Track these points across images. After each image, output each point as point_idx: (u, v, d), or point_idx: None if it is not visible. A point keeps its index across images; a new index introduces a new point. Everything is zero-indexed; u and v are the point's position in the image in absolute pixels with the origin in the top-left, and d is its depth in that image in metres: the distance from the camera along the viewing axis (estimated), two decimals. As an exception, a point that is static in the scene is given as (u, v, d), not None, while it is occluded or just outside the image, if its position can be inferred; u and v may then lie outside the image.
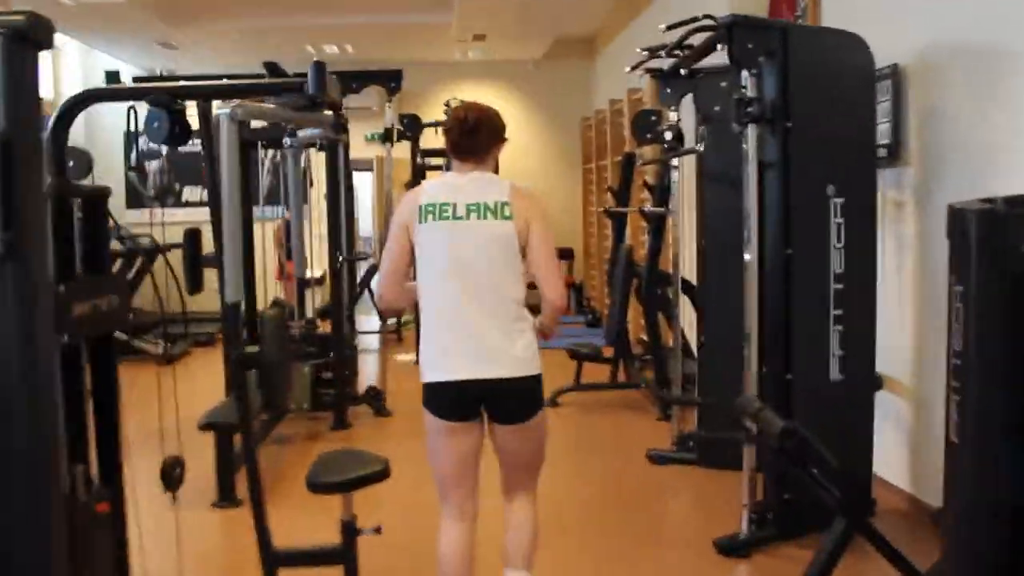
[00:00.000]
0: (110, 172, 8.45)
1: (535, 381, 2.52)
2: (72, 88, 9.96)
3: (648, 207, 5.42)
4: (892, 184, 3.87)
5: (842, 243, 3.41)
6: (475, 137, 2.55)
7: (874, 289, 3.53)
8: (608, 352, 6.31)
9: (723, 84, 3.73)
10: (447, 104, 7.35)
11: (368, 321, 9.69)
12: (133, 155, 8.39)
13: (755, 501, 3.45)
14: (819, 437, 2.46)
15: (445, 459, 2.58)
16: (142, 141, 2.67)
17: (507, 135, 2.66)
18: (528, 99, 11.49)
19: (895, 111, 3.78)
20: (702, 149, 3.91)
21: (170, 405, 2.75)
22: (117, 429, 2.30)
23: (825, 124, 3.41)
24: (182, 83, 3.61)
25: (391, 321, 9.44)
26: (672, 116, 4.44)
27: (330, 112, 4.02)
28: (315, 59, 2.88)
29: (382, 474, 2.74)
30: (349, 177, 6.09)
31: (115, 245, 8.46)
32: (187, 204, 10.64)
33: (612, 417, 5.91)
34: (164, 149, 9.36)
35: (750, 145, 3.33)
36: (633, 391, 6.34)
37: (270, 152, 6.25)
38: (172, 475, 2.52)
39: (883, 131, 3.80)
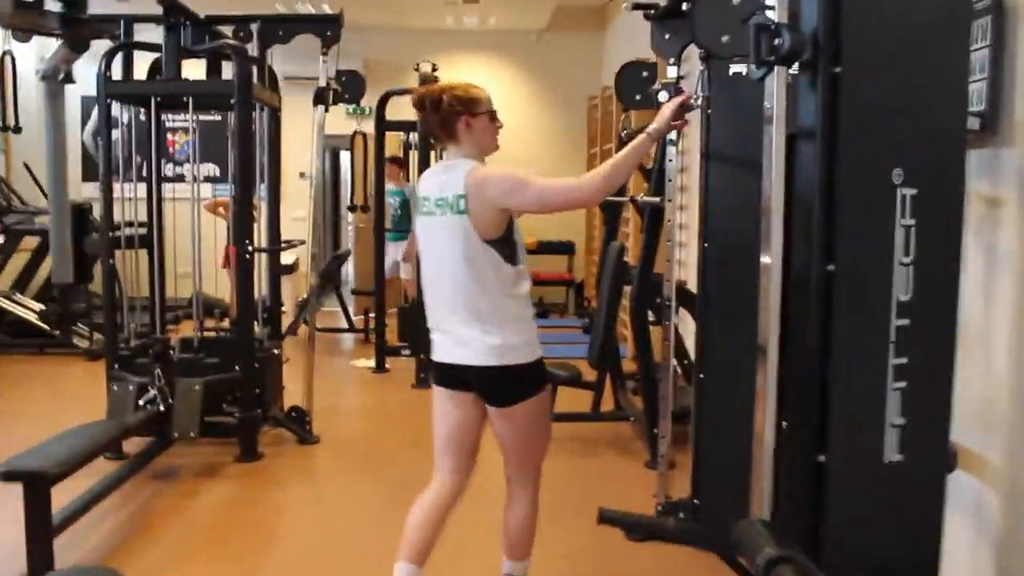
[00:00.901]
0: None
1: (505, 371, 2.60)
2: (25, 46, 9.05)
3: (642, 196, 4.24)
4: (985, 171, 2.67)
5: (911, 257, 2.21)
6: (430, 116, 2.60)
7: (954, 327, 2.33)
8: (590, 374, 5.14)
9: (736, 0, 2.51)
10: (416, 68, 6.24)
11: (334, 317, 8.58)
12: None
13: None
14: (864, 547, 1.81)
15: (439, 422, 2.80)
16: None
17: (495, 109, 2.64)
18: (529, 74, 10.30)
19: (995, 64, 2.58)
20: (699, 104, 2.69)
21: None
22: None
23: (893, 75, 2.21)
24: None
25: (358, 317, 8.33)
26: (671, 72, 3.23)
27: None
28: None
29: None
30: (276, 146, 4.92)
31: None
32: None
33: (590, 460, 4.74)
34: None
35: (774, 100, 2.14)
36: (622, 423, 5.17)
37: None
38: None
39: (976, 92, 2.61)
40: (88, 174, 8.75)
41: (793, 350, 2.33)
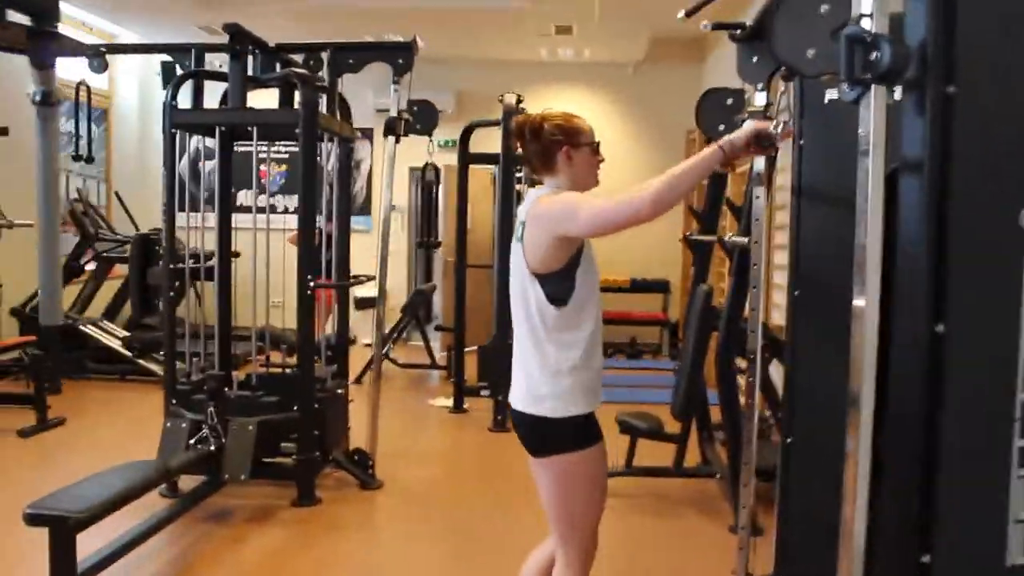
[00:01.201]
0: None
1: (536, 422, 2.41)
2: (128, 78, 9.32)
3: (730, 236, 3.87)
4: None
5: (1043, 318, 1.82)
6: (529, 145, 2.46)
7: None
8: (675, 426, 4.75)
9: (824, 7, 2.14)
10: (500, 99, 6.03)
11: (419, 352, 8.39)
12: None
13: None
14: None
15: None
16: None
17: (597, 142, 2.47)
18: (625, 108, 10.00)
19: None
20: (780, 131, 2.31)
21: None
22: None
23: (1020, 97, 1.83)
24: None
25: (442, 354, 8.11)
26: (758, 98, 2.88)
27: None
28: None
29: None
30: (345, 178, 4.74)
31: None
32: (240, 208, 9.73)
33: (669, 521, 4.34)
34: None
35: (871, 126, 1.78)
36: (708, 480, 4.75)
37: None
38: None
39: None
40: (183, 204, 8.87)
41: (893, 422, 1.96)
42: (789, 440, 3.02)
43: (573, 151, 2.41)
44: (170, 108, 4.29)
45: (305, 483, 4.28)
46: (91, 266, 7.53)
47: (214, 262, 4.53)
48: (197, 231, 4.64)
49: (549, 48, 9.25)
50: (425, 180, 6.16)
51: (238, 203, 9.73)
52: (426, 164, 5.33)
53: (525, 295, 2.40)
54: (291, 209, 8.99)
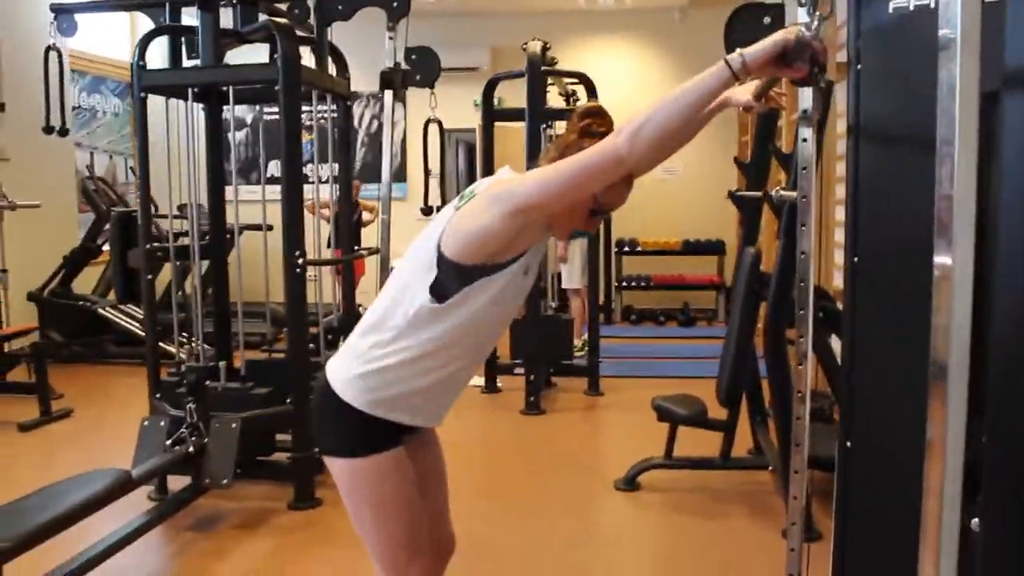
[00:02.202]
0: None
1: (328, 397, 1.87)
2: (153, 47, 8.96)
3: (778, 190, 3.25)
4: None
5: None
6: (568, 134, 1.87)
7: None
8: (721, 412, 4.17)
9: None
10: (524, 48, 5.46)
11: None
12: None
13: None
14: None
15: None
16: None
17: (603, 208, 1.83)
18: (671, 56, 9.29)
19: None
20: (809, 36, 1.65)
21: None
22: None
23: None
24: None
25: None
26: (801, 16, 2.26)
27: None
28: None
29: None
30: (345, 140, 4.21)
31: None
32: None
33: (713, 521, 3.78)
34: (250, 116, 7.90)
35: (958, 23, 1.19)
36: (760, 472, 4.18)
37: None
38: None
39: None
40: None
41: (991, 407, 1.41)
42: (848, 431, 2.44)
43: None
44: (138, 69, 3.83)
45: (302, 483, 3.83)
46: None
47: (187, 241, 4.07)
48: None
49: (588, -4, 8.61)
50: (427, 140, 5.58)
51: (268, 175, 9.47)
52: (428, 121, 4.78)
53: (416, 267, 1.82)
54: (323, 179, 8.59)
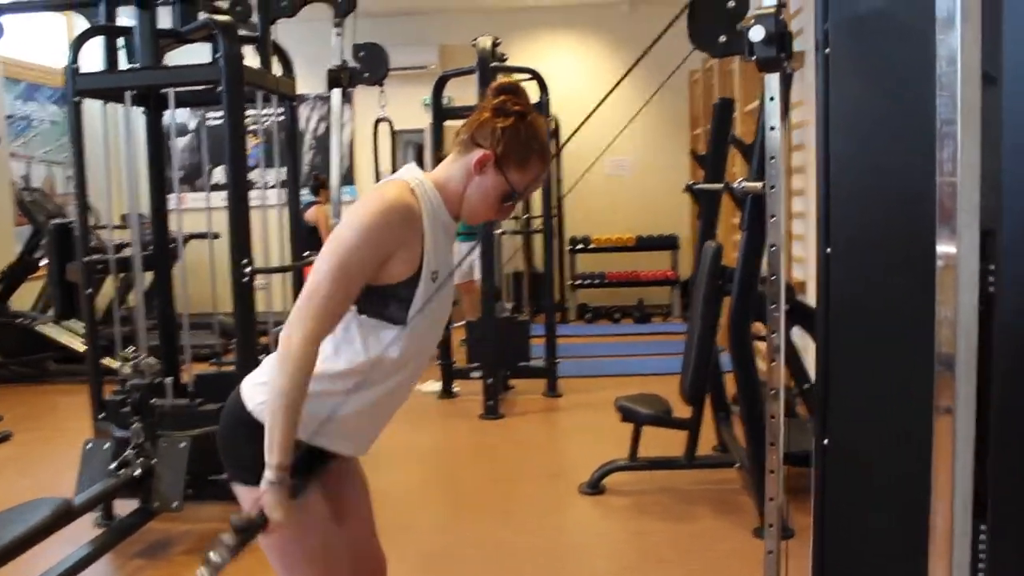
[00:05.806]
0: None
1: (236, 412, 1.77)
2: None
3: (740, 182, 3.19)
4: None
5: None
6: (478, 110, 1.78)
7: None
8: (683, 409, 4.10)
9: None
10: (473, 44, 5.34)
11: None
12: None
13: None
14: None
15: None
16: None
17: (521, 191, 1.76)
18: (621, 49, 9.22)
19: None
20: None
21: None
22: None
23: None
24: None
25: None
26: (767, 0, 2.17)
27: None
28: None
29: None
30: (292, 142, 4.06)
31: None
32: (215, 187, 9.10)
33: (680, 524, 3.70)
34: (193, 122, 7.66)
35: (956, 31, 1.10)
36: (726, 470, 4.11)
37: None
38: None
39: None
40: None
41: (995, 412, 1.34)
42: (823, 427, 2.36)
43: (487, 165, 1.72)
44: (72, 72, 3.64)
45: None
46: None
47: (130, 252, 3.88)
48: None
49: (535, -11, 8.53)
50: (376, 140, 5.43)
51: (213, 181, 9.21)
52: (378, 120, 4.64)
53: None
54: (269, 184, 8.38)
